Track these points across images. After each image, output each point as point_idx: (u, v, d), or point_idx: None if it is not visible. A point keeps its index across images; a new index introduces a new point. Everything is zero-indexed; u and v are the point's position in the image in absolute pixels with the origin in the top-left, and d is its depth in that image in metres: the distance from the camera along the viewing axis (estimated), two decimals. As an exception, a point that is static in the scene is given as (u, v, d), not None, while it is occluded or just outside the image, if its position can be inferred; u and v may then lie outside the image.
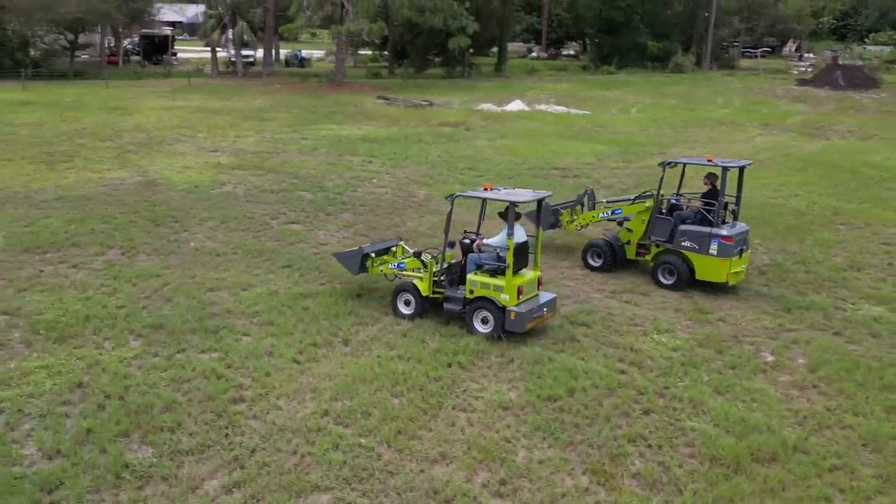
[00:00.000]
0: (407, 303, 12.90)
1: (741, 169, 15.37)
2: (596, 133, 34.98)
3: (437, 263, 12.83)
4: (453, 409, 10.02)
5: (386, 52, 74.41)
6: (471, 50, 64.64)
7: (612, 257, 15.76)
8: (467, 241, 13.06)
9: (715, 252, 14.33)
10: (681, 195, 15.80)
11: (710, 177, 15.39)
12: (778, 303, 14.35)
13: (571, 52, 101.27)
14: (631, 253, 15.86)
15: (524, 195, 12.93)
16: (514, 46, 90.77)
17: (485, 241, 12.85)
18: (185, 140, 30.05)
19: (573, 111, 43.24)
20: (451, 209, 12.77)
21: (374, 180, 23.77)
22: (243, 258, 15.84)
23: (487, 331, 12.10)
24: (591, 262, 16.01)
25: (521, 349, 11.77)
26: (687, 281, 14.70)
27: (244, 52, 64.98)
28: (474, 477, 8.58)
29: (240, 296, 13.69)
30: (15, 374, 10.46)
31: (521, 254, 12.24)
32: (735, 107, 47.38)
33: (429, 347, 11.74)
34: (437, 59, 69.67)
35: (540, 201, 13.19)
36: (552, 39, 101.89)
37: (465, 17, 54.06)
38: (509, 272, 11.87)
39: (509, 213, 11.97)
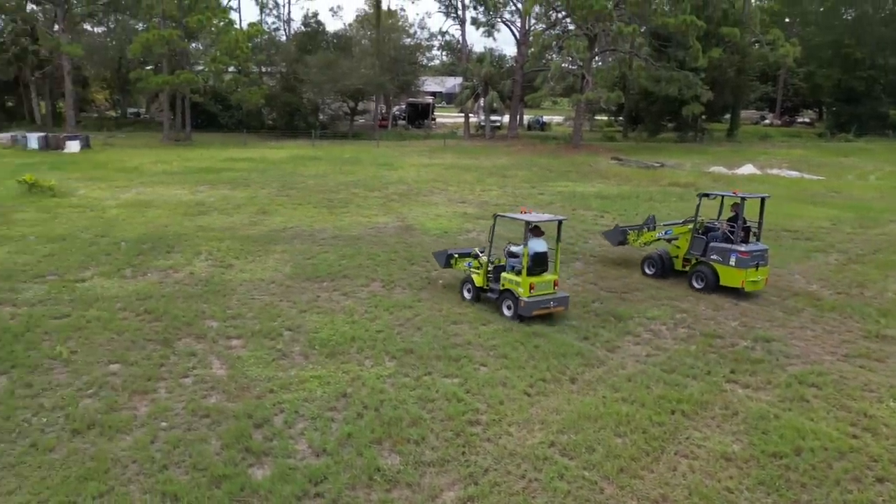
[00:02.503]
0: (468, 290, 15.94)
1: (762, 200, 17.50)
2: (831, 198, 32.15)
3: (489, 264, 15.60)
4: (675, 454, 9.49)
5: (621, 118, 73.81)
6: (703, 116, 62.30)
7: (662, 268, 18.13)
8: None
9: (733, 263, 16.53)
10: (719, 221, 17.93)
11: (736, 206, 17.35)
12: None
13: (806, 120, 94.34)
14: (678, 264, 18.17)
15: (541, 217, 15.53)
16: (746, 113, 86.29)
17: (511, 248, 15.50)
18: (438, 192, 31.51)
19: (807, 176, 40.13)
20: (494, 225, 15.76)
21: (605, 234, 23.43)
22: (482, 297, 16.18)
23: (510, 314, 14.58)
24: (646, 270, 18.50)
25: (746, 404, 10.97)
26: (713, 286, 16.83)
27: (492, 118, 67.29)
28: (694, 522, 8.06)
29: (479, 330, 13.97)
30: (294, 381, 11.35)
31: (541, 260, 14.61)
32: None
33: (652, 393, 11.26)
34: (669, 125, 67.94)
35: (559, 222, 15.33)
36: (787, 107, 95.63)
37: (699, 86, 52.24)
38: (524, 272, 14.25)
39: (525, 230, 14.75)
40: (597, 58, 58.85)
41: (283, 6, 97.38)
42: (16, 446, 9.23)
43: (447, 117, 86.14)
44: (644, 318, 15.04)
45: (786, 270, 19.16)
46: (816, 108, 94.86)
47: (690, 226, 17.99)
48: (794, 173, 41.04)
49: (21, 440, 9.38)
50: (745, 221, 17.14)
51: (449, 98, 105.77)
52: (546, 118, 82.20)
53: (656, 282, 17.79)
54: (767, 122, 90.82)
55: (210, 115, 64.93)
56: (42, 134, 50.35)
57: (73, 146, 47.55)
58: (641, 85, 57.31)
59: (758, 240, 17.45)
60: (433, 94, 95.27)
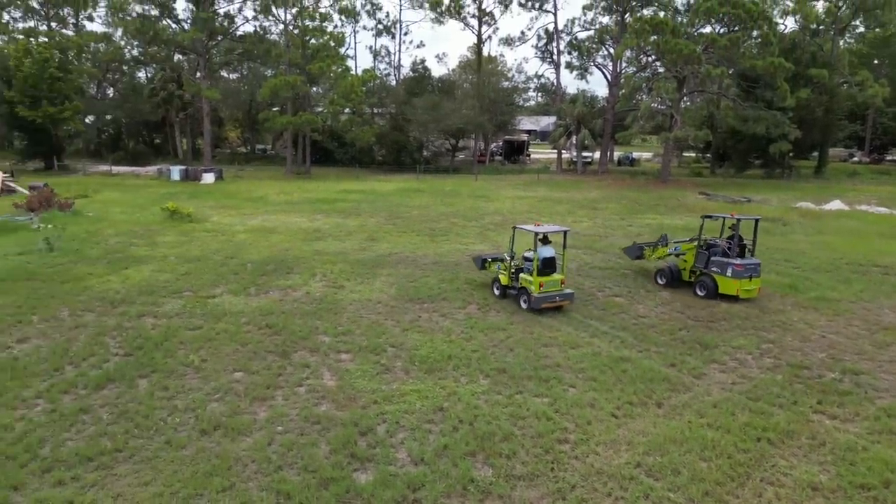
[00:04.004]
0: (497, 288, 17.80)
1: (756, 221, 19.23)
2: (922, 234, 29.99)
3: (512, 267, 17.55)
4: (761, 481, 8.99)
5: (708, 155, 71.49)
6: (791, 154, 59.46)
7: (671, 279, 19.48)
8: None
9: (730, 274, 17.92)
10: (719, 238, 19.44)
11: (734, 226, 18.52)
12: None
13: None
14: (685, 276, 19.42)
15: (549, 228, 17.33)
16: (834, 151, 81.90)
17: (525, 254, 17.51)
18: (531, 222, 31.22)
19: (896, 212, 37.66)
20: (514, 235, 18.17)
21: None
22: (572, 322, 15.91)
23: (525, 306, 16.49)
24: (658, 280, 19.80)
25: (833, 435, 10.29)
26: (713, 294, 18.12)
27: (584, 154, 66.62)
28: (780, 551, 7.57)
29: (568, 353, 13.73)
30: (395, 394, 11.46)
31: (550, 264, 16.59)
32: None
33: (738, 420, 10.73)
34: (757, 162, 65.16)
35: (565, 232, 17.31)
36: (875, 145, 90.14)
37: (787, 125, 49.96)
38: (535, 273, 16.29)
39: (535, 239, 16.71)
40: (685, 98, 57.42)
41: (394, 54, 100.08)
42: (153, 442, 9.70)
43: (541, 153, 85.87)
44: (730, 346, 14.41)
45: (875, 304, 17.96)
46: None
47: (695, 243, 19.44)
48: (884, 210, 38.56)
49: (157, 437, 9.86)
50: (741, 239, 18.55)
51: (543, 136, 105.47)
52: (635, 154, 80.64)
53: (742, 310, 17.04)
54: (856, 159, 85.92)
55: (327, 152, 67.37)
56: (183, 167, 53.43)
57: (209, 178, 50.17)
58: (729, 124, 55.33)
59: (752, 255, 18.90)
60: (528, 132, 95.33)
